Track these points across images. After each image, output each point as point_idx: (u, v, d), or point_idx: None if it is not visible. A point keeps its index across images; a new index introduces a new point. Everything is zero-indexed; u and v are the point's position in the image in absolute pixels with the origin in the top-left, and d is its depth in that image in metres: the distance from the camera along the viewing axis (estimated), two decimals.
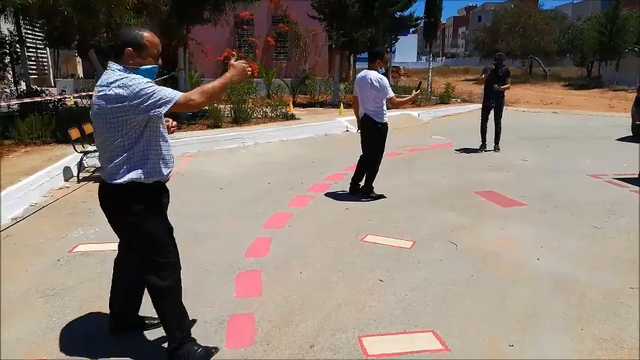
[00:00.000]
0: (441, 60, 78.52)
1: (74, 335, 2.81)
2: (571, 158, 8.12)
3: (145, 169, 2.40)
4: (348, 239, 4.35)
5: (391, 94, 5.35)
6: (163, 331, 2.64)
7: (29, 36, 16.70)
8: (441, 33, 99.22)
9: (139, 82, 2.26)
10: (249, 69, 2.51)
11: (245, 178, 6.80)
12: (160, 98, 2.27)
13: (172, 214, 5.07)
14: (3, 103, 8.69)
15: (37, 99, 8.87)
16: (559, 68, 38.39)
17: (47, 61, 23.77)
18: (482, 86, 8.67)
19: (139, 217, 2.44)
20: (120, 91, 2.23)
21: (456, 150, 8.89)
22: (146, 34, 2.43)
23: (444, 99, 16.94)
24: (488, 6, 73.88)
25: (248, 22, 19.81)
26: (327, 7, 15.01)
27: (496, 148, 8.71)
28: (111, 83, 2.26)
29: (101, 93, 2.28)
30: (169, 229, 2.67)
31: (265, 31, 20.33)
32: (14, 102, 8.53)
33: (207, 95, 2.37)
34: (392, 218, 4.96)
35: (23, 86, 13.42)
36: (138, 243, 2.53)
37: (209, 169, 7.30)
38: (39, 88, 13.45)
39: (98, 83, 2.35)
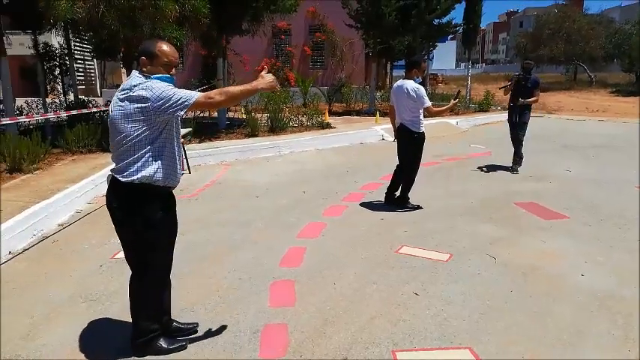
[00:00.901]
0: (481, 66, 77.02)
1: (114, 340, 2.89)
2: (618, 168, 7.77)
3: (157, 169, 2.50)
4: (383, 250, 4.31)
5: (428, 103, 5.28)
6: (194, 335, 2.68)
7: (77, 48, 17.53)
8: (481, 39, 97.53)
9: (160, 85, 2.41)
10: (278, 87, 2.61)
11: (280, 186, 6.86)
12: (180, 98, 2.40)
13: (209, 221, 5.21)
14: (53, 116, 9.14)
15: (84, 110, 9.26)
16: (605, 74, 36.91)
17: (94, 72, 24.86)
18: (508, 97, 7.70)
19: (145, 219, 2.53)
20: (143, 92, 2.38)
21: (495, 159, 8.66)
22: (160, 44, 2.55)
23: (484, 106, 16.58)
24: (530, 11, 71.99)
25: (285, 32, 20.08)
26: (364, 16, 15.03)
27: (513, 169, 7.53)
28: (134, 86, 2.43)
29: (124, 95, 2.43)
30: (170, 242, 2.78)
31: (302, 41, 20.55)
32: (63, 114, 8.96)
33: (228, 96, 2.48)
34: (428, 229, 4.88)
35: (72, 97, 14.08)
36: (135, 245, 2.62)
37: (246, 178, 7.41)
38: (86, 99, 14.09)
39: (121, 87, 2.51)
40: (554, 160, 8.44)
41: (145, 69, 2.50)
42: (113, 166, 2.56)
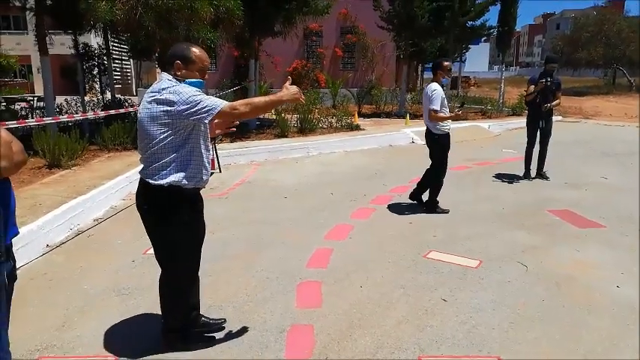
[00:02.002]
0: (515, 69, 75.45)
1: (145, 334, 2.97)
2: None
3: (186, 173, 2.52)
4: (411, 255, 4.27)
5: (434, 106, 5.18)
6: (222, 333, 2.72)
7: (115, 48, 18.02)
8: (516, 41, 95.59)
9: (188, 90, 2.42)
10: (302, 98, 2.57)
11: (309, 187, 6.88)
12: (205, 106, 2.39)
13: (239, 220, 5.27)
14: (92, 115, 9.44)
15: (122, 111, 9.52)
16: None
17: (130, 72, 25.54)
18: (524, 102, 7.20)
19: (175, 221, 2.56)
20: (170, 96, 2.40)
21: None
22: (194, 49, 2.56)
23: (517, 110, 16.18)
24: (568, 13, 70.18)
25: (317, 33, 20.15)
26: (396, 18, 14.93)
27: (544, 175, 7.28)
28: (162, 89, 2.44)
29: (152, 97, 2.45)
30: (199, 241, 2.79)
31: (333, 42, 20.57)
32: (102, 114, 9.26)
33: (252, 107, 2.48)
34: (458, 235, 4.81)
35: (108, 95, 14.50)
36: (165, 245, 2.65)
37: (275, 178, 7.47)
38: (122, 98, 14.48)
39: (150, 90, 2.52)
40: (589, 167, 8.19)
41: (179, 73, 2.51)
42: (142, 167, 2.59)
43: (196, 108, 2.38)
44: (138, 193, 2.64)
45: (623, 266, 4.01)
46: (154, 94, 2.46)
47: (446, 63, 5.41)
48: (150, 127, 2.45)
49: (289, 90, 2.52)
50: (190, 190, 2.58)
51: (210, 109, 2.40)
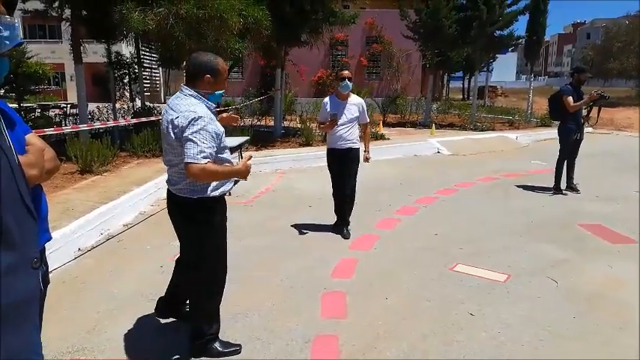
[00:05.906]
0: (543, 79, 74.04)
1: (172, 339, 3.01)
2: None
3: (212, 189, 2.58)
4: (437, 267, 4.22)
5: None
6: (248, 342, 2.73)
7: (145, 57, 18.44)
8: (544, 51, 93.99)
9: (207, 126, 2.37)
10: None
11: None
12: (199, 150, 2.33)
13: (263, 228, 5.30)
14: (124, 122, 9.69)
15: (152, 118, 9.75)
16: None
17: (159, 80, 26.07)
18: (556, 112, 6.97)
19: (203, 227, 2.63)
20: (183, 122, 2.37)
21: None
22: (219, 60, 2.54)
23: (546, 121, 15.88)
24: (598, 22, 68.74)
25: (342, 42, 20.23)
26: (423, 28, 14.87)
27: (575, 188, 7.11)
28: (183, 112, 2.40)
29: (175, 119, 2.41)
30: (225, 244, 2.83)
31: (359, 52, 20.61)
32: (133, 121, 9.50)
33: (212, 178, 2.48)
34: (485, 247, 4.74)
35: (138, 103, 14.84)
36: (198, 247, 2.68)
37: (299, 187, 7.50)
38: (151, 105, 14.81)
39: (172, 106, 2.48)
40: (622, 180, 7.95)
41: (209, 87, 2.49)
42: (169, 180, 2.65)
43: (186, 146, 2.34)
44: (167, 200, 2.72)
45: None
46: (173, 113, 2.43)
47: (341, 72, 5.19)
48: (173, 150, 2.48)
49: (247, 167, 2.53)
50: (217, 197, 2.64)
51: (201, 154, 2.33)
